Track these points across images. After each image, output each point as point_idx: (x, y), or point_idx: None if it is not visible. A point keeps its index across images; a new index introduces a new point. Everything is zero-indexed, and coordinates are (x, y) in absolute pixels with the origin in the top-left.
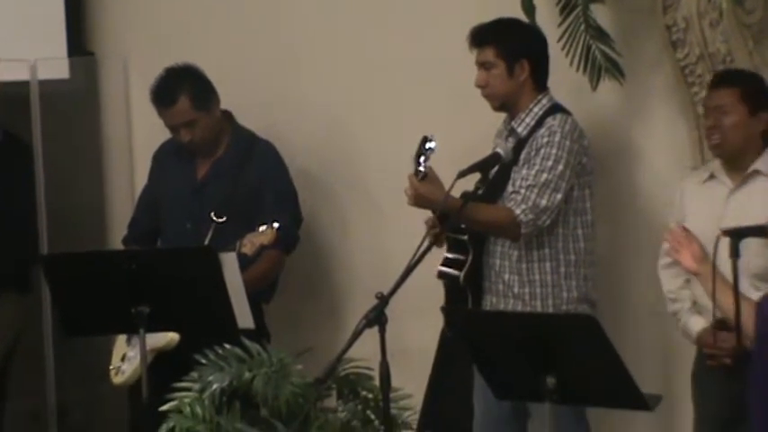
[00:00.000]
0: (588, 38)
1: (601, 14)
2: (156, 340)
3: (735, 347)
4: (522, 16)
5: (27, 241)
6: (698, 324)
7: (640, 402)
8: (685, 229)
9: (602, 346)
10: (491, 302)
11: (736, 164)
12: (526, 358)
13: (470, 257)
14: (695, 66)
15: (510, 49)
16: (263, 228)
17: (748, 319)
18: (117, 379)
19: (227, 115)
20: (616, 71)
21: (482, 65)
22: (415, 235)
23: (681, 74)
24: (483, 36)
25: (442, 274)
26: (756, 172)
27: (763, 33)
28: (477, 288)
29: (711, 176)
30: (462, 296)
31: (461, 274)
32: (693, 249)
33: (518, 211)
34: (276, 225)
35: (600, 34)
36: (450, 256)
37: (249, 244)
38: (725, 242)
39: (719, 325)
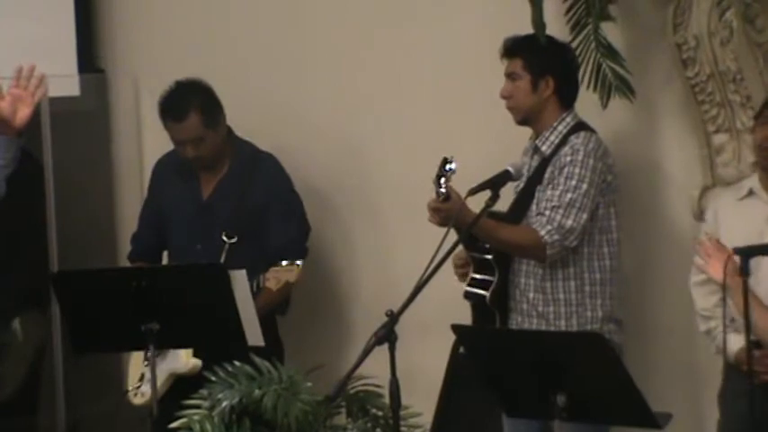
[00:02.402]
0: (598, 56)
1: (611, 32)
2: (178, 366)
3: None
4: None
5: (46, 259)
6: (737, 343)
7: (650, 420)
8: (717, 242)
9: (610, 364)
10: (516, 322)
11: None
12: (536, 376)
13: (497, 277)
14: (705, 84)
15: (537, 63)
16: (285, 263)
17: None
18: (137, 400)
19: (228, 130)
20: (626, 89)
21: (509, 75)
22: (423, 252)
23: (691, 92)
24: (513, 47)
25: (468, 295)
26: None
27: None
28: (505, 308)
29: (750, 193)
30: (490, 316)
31: (488, 294)
32: (725, 261)
33: (543, 233)
34: (299, 263)
35: (610, 52)
36: (477, 276)
37: (273, 280)
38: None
39: (758, 342)
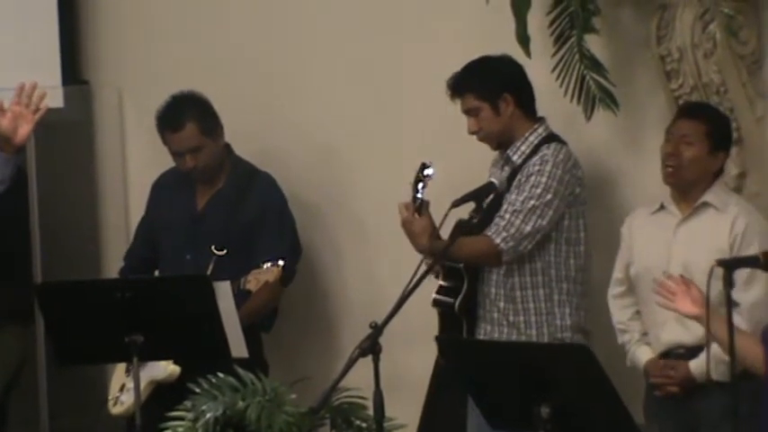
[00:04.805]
0: (582, 68)
1: (595, 45)
2: (157, 373)
3: (684, 377)
4: (518, 47)
5: (30, 273)
6: (645, 355)
7: None
8: (682, 277)
9: (596, 377)
10: (485, 330)
11: (686, 195)
12: (520, 388)
13: (466, 285)
14: (689, 96)
15: (488, 89)
16: (267, 265)
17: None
18: (116, 409)
19: (226, 147)
20: (610, 101)
21: (468, 112)
22: (408, 263)
23: (675, 104)
24: (459, 85)
25: (437, 302)
26: (706, 204)
27: (756, 64)
28: (472, 316)
29: (661, 207)
30: (457, 324)
31: (456, 303)
32: (693, 294)
33: (498, 240)
34: (281, 263)
35: (594, 64)
36: (445, 284)
37: (254, 281)
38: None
39: (667, 354)
